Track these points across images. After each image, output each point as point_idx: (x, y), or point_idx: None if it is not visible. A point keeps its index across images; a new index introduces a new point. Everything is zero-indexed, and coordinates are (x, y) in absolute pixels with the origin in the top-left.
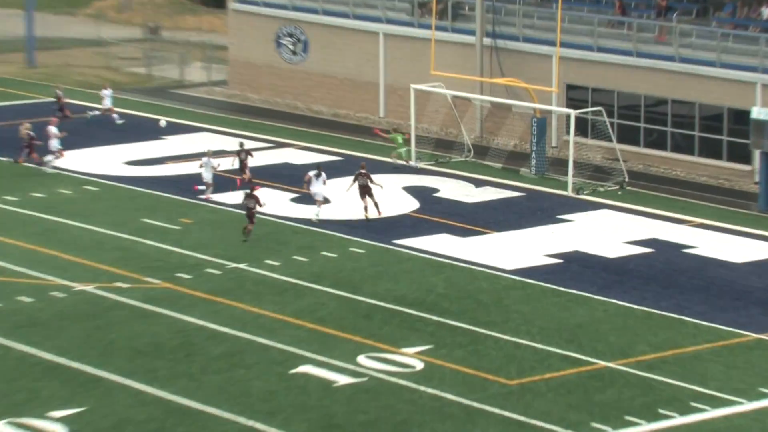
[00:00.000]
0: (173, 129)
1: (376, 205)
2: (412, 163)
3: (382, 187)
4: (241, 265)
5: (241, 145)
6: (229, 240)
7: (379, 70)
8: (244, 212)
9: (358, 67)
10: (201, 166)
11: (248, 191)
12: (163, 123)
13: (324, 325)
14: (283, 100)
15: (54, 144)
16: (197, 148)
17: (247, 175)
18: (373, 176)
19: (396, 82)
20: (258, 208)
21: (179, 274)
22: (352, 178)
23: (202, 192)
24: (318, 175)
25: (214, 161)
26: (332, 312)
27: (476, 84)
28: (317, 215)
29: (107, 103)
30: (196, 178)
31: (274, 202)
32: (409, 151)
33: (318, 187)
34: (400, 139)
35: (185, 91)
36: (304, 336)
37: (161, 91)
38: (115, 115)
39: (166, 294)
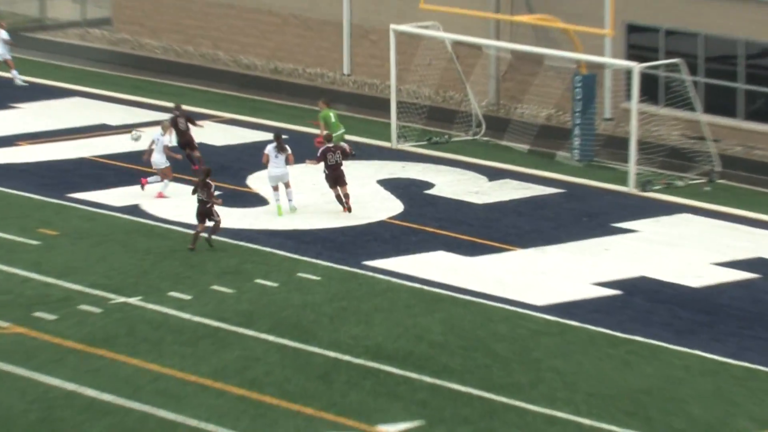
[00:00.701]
0: (29, 93)
1: (346, 197)
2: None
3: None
4: (133, 300)
5: (177, 108)
6: (115, 261)
7: (343, 3)
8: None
9: None
10: (152, 145)
11: (200, 178)
12: (135, 135)
13: (259, 390)
14: (197, 50)
15: None
16: (68, 122)
17: (197, 153)
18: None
19: (367, 22)
20: (216, 205)
21: (39, 314)
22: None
23: (153, 186)
24: (280, 150)
25: (166, 138)
26: (271, 370)
27: (490, 24)
28: (293, 207)
29: (5, 50)
30: (87, 167)
31: (184, 202)
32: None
33: (280, 168)
34: (333, 116)
35: (47, 35)
36: (228, 407)
37: (12, 35)
38: (15, 71)
39: (18, 343)
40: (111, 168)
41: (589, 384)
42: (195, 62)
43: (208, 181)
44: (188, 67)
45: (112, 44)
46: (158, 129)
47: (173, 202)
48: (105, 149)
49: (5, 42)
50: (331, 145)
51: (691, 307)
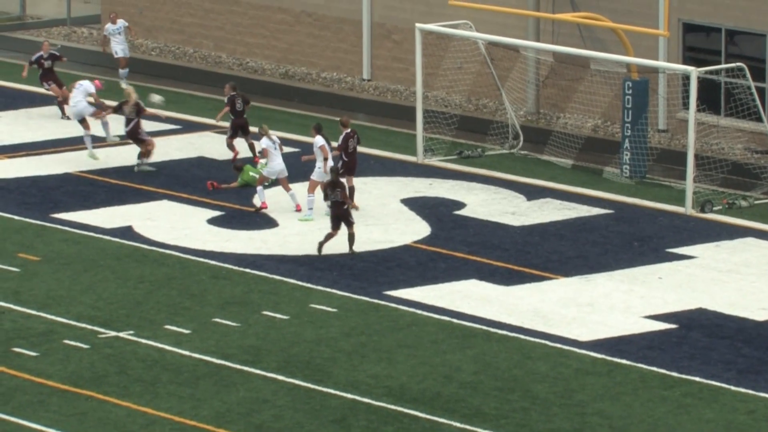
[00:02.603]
0: (7, 100)
1: (351, 191)
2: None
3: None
4: (123, 334)
5: (234, 88)
6: (104, 290)
7: (363, 0)
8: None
9: None
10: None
11: (333, 178)
12: (156, 100)
13: None
14: (198, 51)
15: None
16: (51, 133)
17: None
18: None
19: (390, 20)
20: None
21: (17, 349)
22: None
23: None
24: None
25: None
26: (281, 414)
27: (528, 23)
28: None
29: (120, 46)
30: (73, 184)
31: (181, 223)
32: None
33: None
34: (250, 173)
35: (28, 34)
36: None
37: None
38: (123, 71)
39: None
40: (100, 185)
41: (640, 430)
42: (195, 65)
43: (340, 180)
44: (187, 71)
45: (101, 44)
46: (264, 138)
47: (169, 224)
48: (93, 164)
49: (113, 35)
50: (348, 130)
51: (757, 343)
